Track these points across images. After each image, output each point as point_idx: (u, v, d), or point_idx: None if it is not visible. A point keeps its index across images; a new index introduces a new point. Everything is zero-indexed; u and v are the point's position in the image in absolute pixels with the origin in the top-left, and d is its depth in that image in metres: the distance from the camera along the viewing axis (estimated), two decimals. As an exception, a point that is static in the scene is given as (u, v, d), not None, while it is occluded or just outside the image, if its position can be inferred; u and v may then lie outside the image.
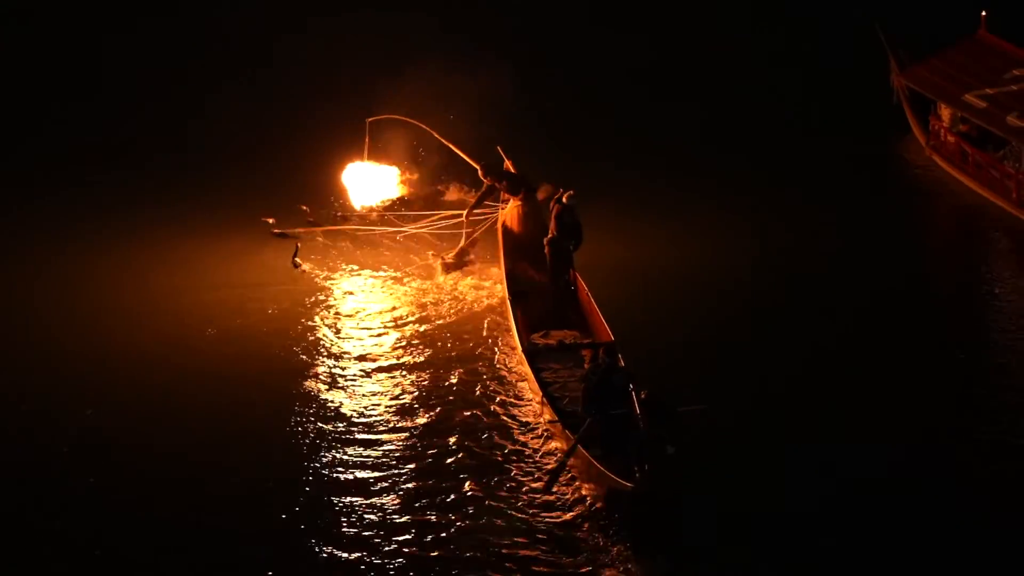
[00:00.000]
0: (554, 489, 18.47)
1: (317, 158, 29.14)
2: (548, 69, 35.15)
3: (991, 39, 29.95)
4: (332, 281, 24.96)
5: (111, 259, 25.71)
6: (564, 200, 22.92)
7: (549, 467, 18.94)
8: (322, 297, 24.28)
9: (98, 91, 34.84)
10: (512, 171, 24.98)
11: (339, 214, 27.09)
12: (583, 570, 17.21)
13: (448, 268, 24.80)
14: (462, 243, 25.14)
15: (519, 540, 17.71)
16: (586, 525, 17.97)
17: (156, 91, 34.61)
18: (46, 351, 22.52)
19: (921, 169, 29.68)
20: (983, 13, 30.01)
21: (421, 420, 20.38)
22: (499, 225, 24.42)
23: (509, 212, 24.35)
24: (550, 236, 23.04)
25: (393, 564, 17.34)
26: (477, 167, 25.09)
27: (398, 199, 27.42)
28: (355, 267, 25.57)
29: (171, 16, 38.92)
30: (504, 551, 17.50)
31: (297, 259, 25.27)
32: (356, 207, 27.09)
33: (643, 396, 18.48)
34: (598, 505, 18.22)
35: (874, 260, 25.81)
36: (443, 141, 26.37)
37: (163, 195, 28.62)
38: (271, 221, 26.31)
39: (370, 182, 26.95)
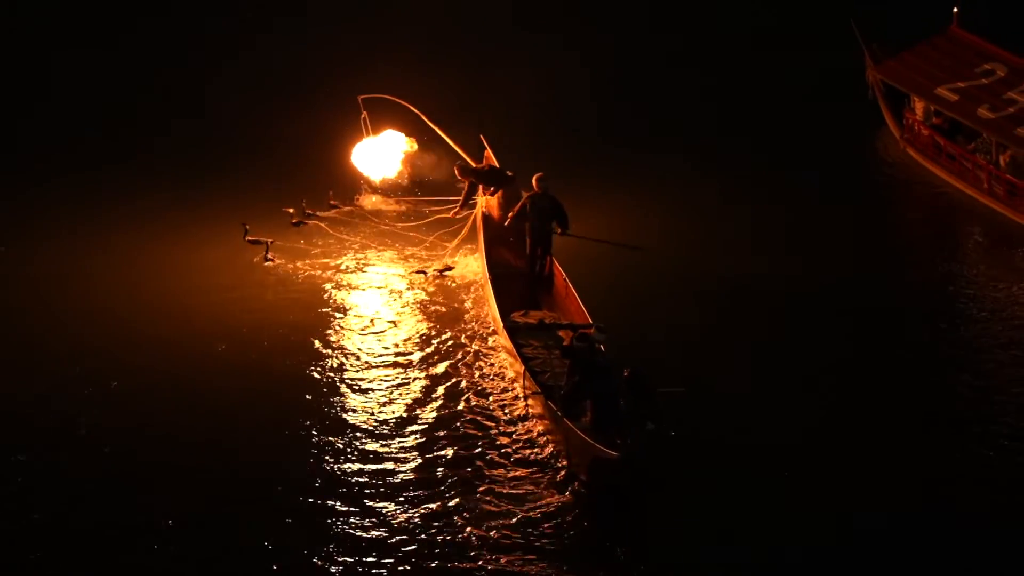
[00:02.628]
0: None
1: (318, 146, 29.60)
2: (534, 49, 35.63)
3: (963, 35, 30.42)
4: (316, 273, 25.09)
5: (102, 259, 25.65)
6: (535, 185, 23.15)
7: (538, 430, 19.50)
8: (310, 289, 24.44)
9: (93, 82, 34.92)
10: (492, 165, 25.19)
11: (333, 202, 27.41)
12: (565, 535, 17.54)
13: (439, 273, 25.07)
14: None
15: (504, 508, 18.04)
16: (570, 495, 18.31)
17: (151, 80, 34.89)
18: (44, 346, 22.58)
19: (895, 161, 30.11)
20: (955, 9, 30.48)
21: (407, 396, 20.72)
22: (479, 212, 24.66)
23: (489, 199, 24.60)
24: (529, 222, 23.30)
25: (379, 535, 17.65)
26: (455, 168, 25.27)
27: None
28: (340, 258, 25.71)
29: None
30: (488, 520, 17.80)
31: (269, 255, 25.34)
32: (376, 181, 27.30)
33: (626, 374, 18.79)
34: (580, 473, 18.55)
35: (850, 249, 26.18)
36: (431, 125, 26.50)
37: (161, 187, 28.74)
38: (303, 203, 26.48)
39: (382, 154, 26.95)
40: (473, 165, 25.22)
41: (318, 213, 26.70)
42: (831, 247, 26.19)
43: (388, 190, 27.75)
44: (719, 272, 24.89)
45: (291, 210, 26.75)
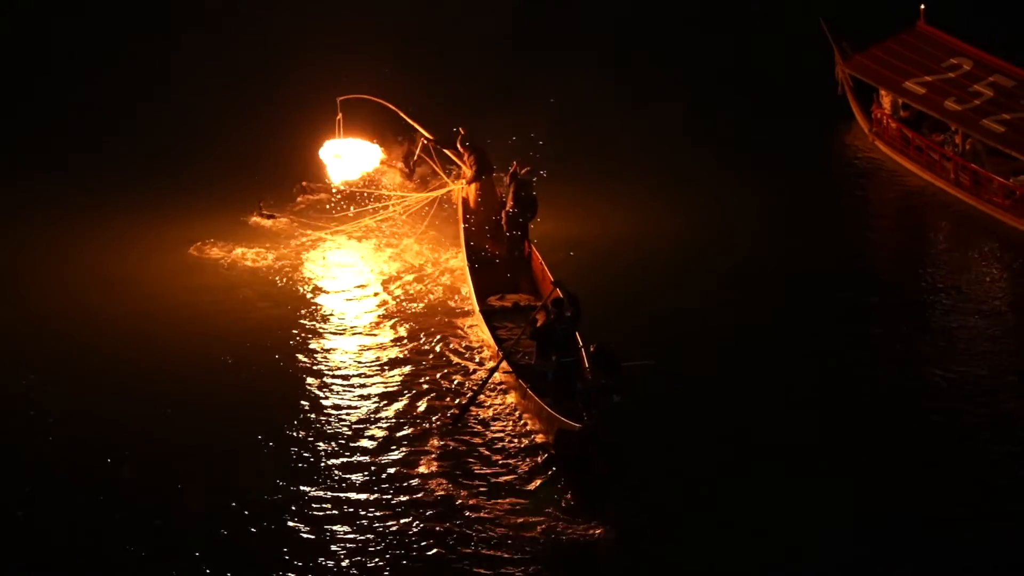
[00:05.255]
0: (468, 420, 19.85)
1: (286, 136, 30.00)
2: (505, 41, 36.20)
3: (930, 30, 31.13)
4: (297, 260, 25.75)
5: (63, 263, 25.81)
6: (520, 175, 24.07)
7: (503, 409, 20.32)
8: (286, 283, 25.04)
9: (45, 72, 34.91)
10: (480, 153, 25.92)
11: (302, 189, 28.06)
12: (530, 505, 18.41)
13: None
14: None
15: (473, 480, 18.94)
16: (535, 464, 19.23)
17: (109, 67, 34.82)
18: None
19: (865, 154, 30.71)
20: (922, 6, 31.23)
21: (387, 377, 21.56)
22: (459, 202, 25.49)
23: (466, 190, 25.45)
24: (507, 209, 24.20)
25: (352, 512, 18.44)
26: (460, 131, 25.62)
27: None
28: (321, 243, 26.44)
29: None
30: (458, 490, 18.70)
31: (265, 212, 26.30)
32: (336, 182, 27.52)
33: (592, 348, 19.63)
34: (548, 446, 19.48)
35: (821, 238, 26.90)
36: (409, 121, 27.08)
37: (121, 181, 29.00)
38: (261, 204, 27.04)
39: (350, 158, 27.25)
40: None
41: (275, 214, 27.06)
42: (803, 237, 26.79)
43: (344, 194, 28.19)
44: (691, 260, 25.58)
45: (305, 183, 27.32)
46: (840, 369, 21.85)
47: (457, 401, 20.55)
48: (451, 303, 23.95)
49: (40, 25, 37.28)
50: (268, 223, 26.85)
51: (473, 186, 25.27)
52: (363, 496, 18.62)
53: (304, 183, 28.16)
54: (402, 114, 27.14)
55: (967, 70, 29.94)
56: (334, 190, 27.77)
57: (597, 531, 17.79)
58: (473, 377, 21.44)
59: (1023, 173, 27.42)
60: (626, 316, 23.11)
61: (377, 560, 17.44)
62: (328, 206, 27.70)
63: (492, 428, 20.10)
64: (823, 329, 23.14)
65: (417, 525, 18.04)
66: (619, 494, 18.54)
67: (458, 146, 25.59)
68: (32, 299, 24.32)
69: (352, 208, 27.33)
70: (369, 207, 27.15)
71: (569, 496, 18.50)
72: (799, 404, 20.67)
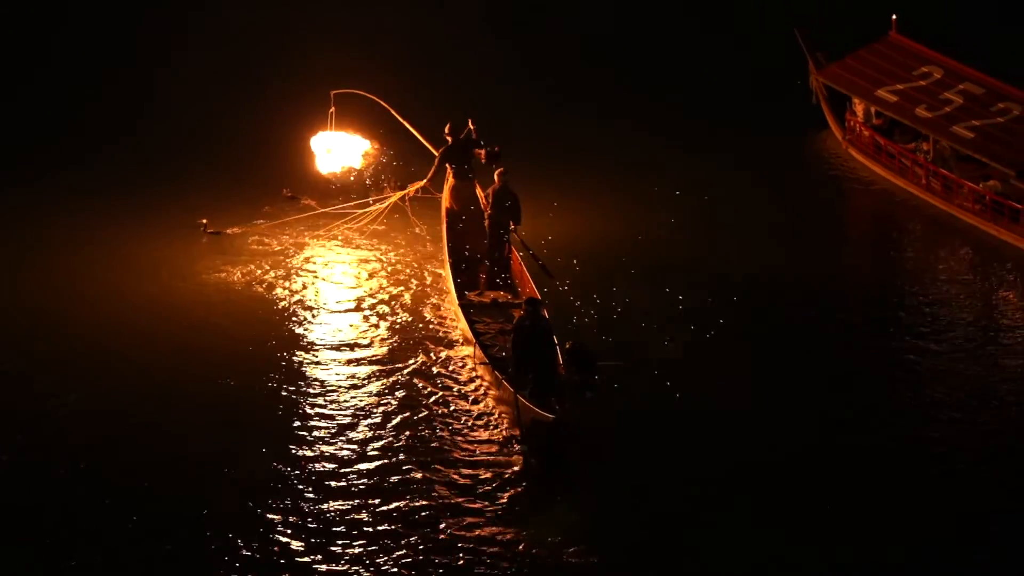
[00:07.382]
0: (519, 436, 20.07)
1: (278, 138, 30.48)
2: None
3: (901, 40, 31.79)
4: (280, 258, 26.20)
5: (66, 256, 26.11)
6: (496, 179, 24.54)
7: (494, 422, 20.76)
8: (273, 273, 25.52)
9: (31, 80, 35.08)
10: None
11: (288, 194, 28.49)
12: (502, 489, 18.87)
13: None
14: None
15: (449, 467, 19.35)
16: (513, 457, 19.66)
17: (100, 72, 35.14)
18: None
19: (839, 161, 31.32)
20: (893, 16, 31.93)
21: (369, 371, 21.97)
22: (442, 202, 25.92)
23: (448, 191, 25.93)
24: (489, 212, 24.67)
25: (332, 516, 18.61)
26: (445, 128, 25.75)
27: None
28: (304, 242, 26.90)
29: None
30: (434, 479, 19.07)
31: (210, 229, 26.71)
32: (323, 172, 27.68)
33: (568, 346, 20.14)
34: (523, 437, 19.85)
35: (796, 243, 27.37)
36: (401, 120, 27.32)
37: (116, 185, 29.25)
38: (205, 222, 27.21)
39: (338, 150, 27.44)
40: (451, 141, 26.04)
41: (221, 230, 27.06)
42: (777, 244, 27.17)
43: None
44: (664, 266, 25.81)
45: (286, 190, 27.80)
46: (819, 373, 22.15)
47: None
48: (432, 297, 24.37)
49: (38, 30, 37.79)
50: (256, 235, 27.12)
51: (452, 189, 25.69)
52: (344, 503, 18.76)
53: (286, 191, 28.52)
54: (395, 113, 27.36)
55: (938, 78, 30.58)
56: (305, 201, 28.22)
57: (576, 539, 17.87)
58: (454, 365, 22.01)
59: (992, 178, 28.09)
60: (601, 312, 23.58)
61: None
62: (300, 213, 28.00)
63: (468, 418, 20.55)
64: (800, 334, 23.47)
65: (399, 535, 18.07)
66: (600, 502, 18.78)
67: (445, 131, 25.89)
68: (29, 300, 24.63)
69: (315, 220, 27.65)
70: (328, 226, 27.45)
71: (537, 477, 18.99)
72: (785, 408, 20.94)
